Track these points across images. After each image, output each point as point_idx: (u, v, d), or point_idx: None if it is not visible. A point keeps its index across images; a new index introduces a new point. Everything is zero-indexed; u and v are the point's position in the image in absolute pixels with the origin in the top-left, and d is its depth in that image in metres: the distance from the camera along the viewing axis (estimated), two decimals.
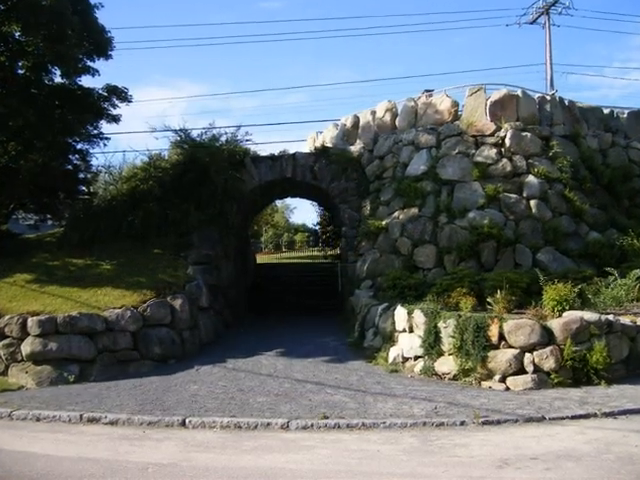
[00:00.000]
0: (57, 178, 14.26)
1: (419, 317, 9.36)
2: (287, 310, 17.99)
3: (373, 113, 15.49)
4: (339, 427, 6.60)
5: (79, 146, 15.10)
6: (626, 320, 8.79)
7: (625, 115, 15.60)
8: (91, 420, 7.17)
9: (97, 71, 14.02)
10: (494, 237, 11.71)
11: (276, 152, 15.83)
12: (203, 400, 7.80)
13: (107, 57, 14.05)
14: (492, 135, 13.26)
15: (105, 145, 15.73)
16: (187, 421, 6.91)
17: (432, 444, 6.00)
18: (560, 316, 8.58)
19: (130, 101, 14.76)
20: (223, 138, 15.24)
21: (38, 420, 7.31)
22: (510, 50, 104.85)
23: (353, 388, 8.29)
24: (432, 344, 8.95)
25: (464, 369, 8.47)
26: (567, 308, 8.76)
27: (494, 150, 13.06)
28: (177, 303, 10.95)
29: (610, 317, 8.60)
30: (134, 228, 13.52)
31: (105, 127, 16.16)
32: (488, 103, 13.56)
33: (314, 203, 23.00)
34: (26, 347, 9.56)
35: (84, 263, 12.58)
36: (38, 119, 12.08)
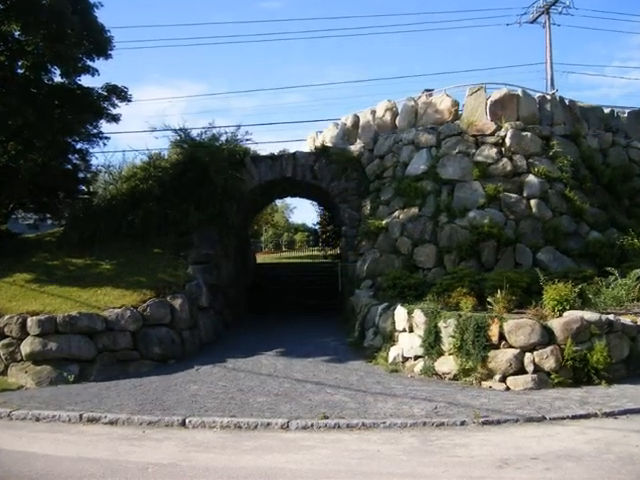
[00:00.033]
0: (57, 178, 14.24)
1: (419, 317, 9.35)
2: (287, 310, 17.98)
3: (373, 113, 15.47)
4: (339, 427, 6.59)
5: (79, 146, 15.09)
6: (627, 320, 8.78)
7: (625, 114, 15.59)
8: (91, 420, 7.15)
9: (97, 70, 14.01)
10: (494, 237, 11.70)
11: (276, 152, 15.82)
12: (203, 400, 7.79)
13: (107, 56, 14.02)
14: (492, 135, 13.26)
15: (105, 145, 15.74)
16: (187, 421, 6.90)
17: (432, 444, 5.99)
18: (560, 316, 8.57)
19: (130, 100, 14.75)
20: (223, 138, 15.23)
21: (38, 420, 7.30)
22: (510, 49, 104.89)
23: (353, 388, 8.27)
24: (432, 344, 8.94)
25: (464, 369, 8.46)
26: (567, 308, 8.75)
27: (494, 150, 13.05)
28: (177, 303, 10.94)
29: (610, 317, 8.59)
30: (134, 228, 13.50)
31: (105, 126, 16.17)
32: (488, 102, 13.55)
33: (314, 203, 22.97)
34: (26, 347, 9.55)
35: (84, 263, 12.57)
36: (38, 118, 12.06)
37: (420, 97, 14.70)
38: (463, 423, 6.57)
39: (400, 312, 10.00)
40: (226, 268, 14.67)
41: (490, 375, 8.29)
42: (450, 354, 8.74)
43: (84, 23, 12.66)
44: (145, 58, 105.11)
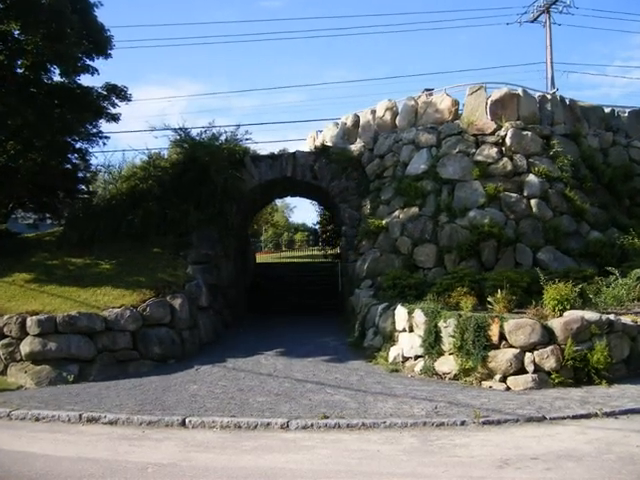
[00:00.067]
0: (56, 177, 14.23)
1: (419, 317, 9.34)
2: (287, 310, 17.98)
3: (373, 112, 15.46)
4: (339, 427, 6.58)
5: (78, 145, 15.08)
6: (627, 320, 8.77)
7: (626, 114, 15.59)
8: (90, 420, 7.14)
9: (96, 70, 14.01)
10: (494, 236, 11.69)
11: (276, 151, 15.83)
12: (203, 400, 7.77)
13: (106, 56, 14.03)
14: (492, 134, 13.24)
15: (104, 144, 15.73)
16: (187, 421, 6.89)
17: (432, 444, 5.98)
18: (561, 315, 8.56)
19: (129, 100, 14.75)
20: (223, 137, 15.23)
21: (37, 420, 7.29)
22: (511, 49, 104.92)
23: (353, 388, 8.26)
24: (432, 344, 8.93)
25: (464, 369, 8.45)
26: (568, 307, 8.74)
27: (494, 149, 13.04)
28: (177, 303, 10.93)
29: (611, 317, 8.58)
30: (133, 227, 13.49)
31: (104, 126, 16.20)
32: (489, 102, 13.54)
33: (314, 202, 22.94)
34: (25, 347, 9.53)
35: (83, 262, 12.56)
36: (37, 118, 12.04)
37: (420, 97, 14.69)
38: (463, 423, 6.56)
39: (400, 312, 9.99)
40: (226, 268, 14.66)
41: (490, 375, 8.28)
42: (450, 354, 8.73)
43: (84, 22, 12.65)
44: (145, 57, 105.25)
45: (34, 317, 9.65)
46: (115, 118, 14.72)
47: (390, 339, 10.23)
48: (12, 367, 9.60)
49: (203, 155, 14.23)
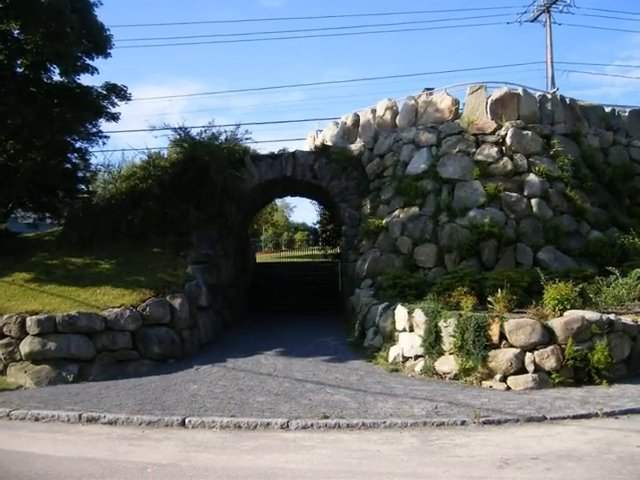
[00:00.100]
0: (56, 177, 14.22)
1: (419, 316, 9.33)
2: (287, 309, 17.97)
3: (373, 111, 15.44)
4: (339, 427, 6.57)
5: (78, 145, 15.07)
6: (627, 319, 8.76)
7: (626, 113, 15.56)
8: (90, 420, 7.13)
9: (96, 69, 14.00)
10: (495, 236, 11.67)
11: (276, 150, 15.80)
12: (202, 400, 7.76)
13: (106, 55, 14.01)
14: (493, 133, 13.22)
15: (104, 144, 15.75)
16: (186, 421, 6.88)
17: (432, 444, 5.97)
18: (561, 315, 8.55)
19: (129, 99, 14.73)
20: (223, 136, 15.23)
21: (37, 420, 7.28)
22: (511, 48, 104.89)
23: (353, 388, 8.25)
24: (433, 343, 8.91)
25: (465, 368, 8.44)
26: (568, 307, 8.73)
27: (495, 149, 13.02)
28: (176, 302, 10.92)
29: (611, 316, 8.57)
30: (133, 227, 13.48)
31: (104, 125, 16.22)
32: (489, 101, 13.52)
33: (314, 202, 22.92)
34: (25, 346, 9.52)
35: (83, 262, 12.55)
36: (37, 117, 12.03)
37: (420, 96, 14.67)
38: (463, 423, 6.55)
39: (400, 312, 9.98)
40: (226, 268, 14.65)
41: (491, 375, 8.27)
42: (450, 354, 8.72)
43: (83, 22, 12.64)
44: (145, 57, 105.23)
45: (34, 317, 9.64)
46: (115, 117, 14.71)
47: (390, 339, 10.21)
48: (12, 367, 9.59)
49: (203, 154, 14.21)
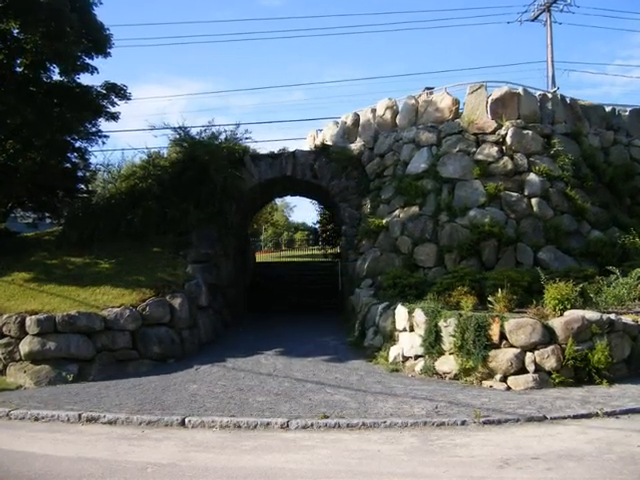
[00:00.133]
0: (55, 176, 14.21)
1: (420, 316, 9.31)
2: (287, 309, 17.96)
3: (373, 111, 15.43)
4: (339, 427, 6.56)
5: (78, 144, 15.05)
6: (628, 319, 8.76)
7: (627, 113, 15.54)
8: (90, 420, 7.12)
9: (96, 69, 13.97)
10: (495, 236, 11.66)
11: (276, 150, 15.78)
12: (202, 399, 7.75)
13: (106, 55, 13.99)
14: (493, 133, 13.20)
15: (104, 143, 15.76)
16: (186, 421, 6.87)
17: (433, 444, 5.96)
18: (561, 315, 8.54)
19: (129, 99, 14.72)
20: (222, 136, 15.20)
21: (36, 420, 7.27)
22: (511, 48, 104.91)
23: (353, 387, 8.24)
24: (433, 343, 8.90)
25: (465, 368, 8.43)
26: (568, 307, 8.72)
27: (495, 148, 13.00)
28: (176, 302, 10.91)
29: (612, 316, 8.56)
30: (133, 227, 13.47)
31: (104, 125, 16.23)
32: (489, 101, 13.50)
33: (314, 201, 22.92)
34: (24, 346, 9.51)
35: (83, 262, 12.54)
36: (36, 117, 12.02)
37: (421, 95, 14.65)
38: (464, 423, 6.54)
39: (400, 311, 9.97)
40: (225, 267, 14.63)
41: (491, 375, 8.26)
42: (451, 353, 8.70)
43: (83, 21, 12.62)
44: (145, 56, 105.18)
45: (33, 316, 9.64)
46: (114, 117, 14.69)
47: (390, 338, 10.20)
48: (11, 367, 9.59)
49: (203, 154, 14.19)
